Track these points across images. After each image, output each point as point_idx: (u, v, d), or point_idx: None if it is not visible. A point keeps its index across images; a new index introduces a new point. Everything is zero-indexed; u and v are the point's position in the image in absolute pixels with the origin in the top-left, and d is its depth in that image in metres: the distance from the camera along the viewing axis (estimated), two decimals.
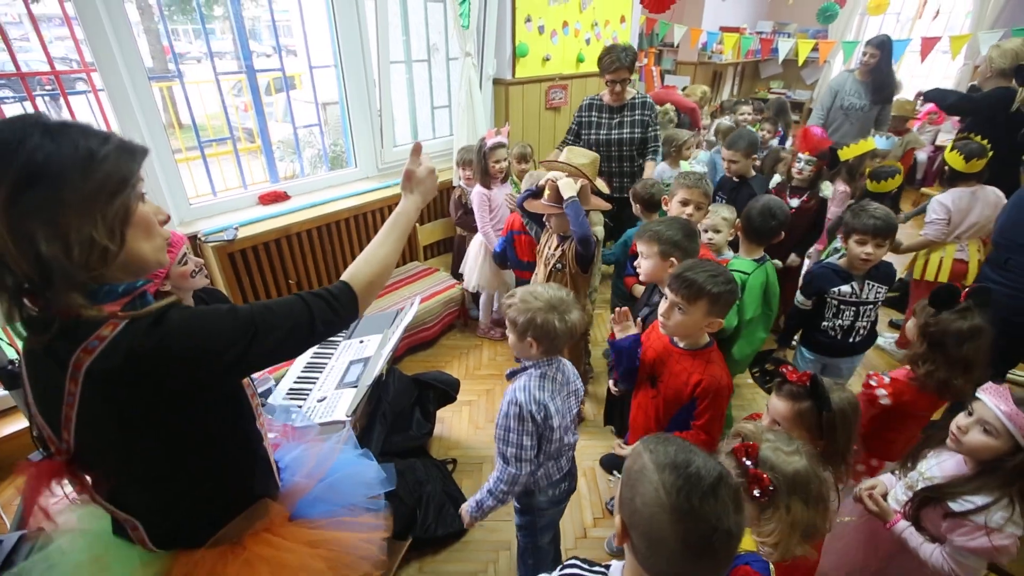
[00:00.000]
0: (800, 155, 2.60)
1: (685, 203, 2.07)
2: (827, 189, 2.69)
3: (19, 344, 0.80)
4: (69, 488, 0.85)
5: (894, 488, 1.37)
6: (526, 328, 1.30)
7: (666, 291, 1.43)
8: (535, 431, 1.32)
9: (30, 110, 2.13)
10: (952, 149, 2.51)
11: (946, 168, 2.58)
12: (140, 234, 0.75)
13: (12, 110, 2.38)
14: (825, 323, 2.00)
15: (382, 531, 1.07)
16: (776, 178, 2.83)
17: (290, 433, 1.27)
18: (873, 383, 1.57)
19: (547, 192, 2.03)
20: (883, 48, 3.65)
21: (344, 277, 0.94)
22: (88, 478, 0.82)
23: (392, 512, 1.19)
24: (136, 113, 2.24)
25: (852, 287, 1.93)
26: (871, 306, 1.96)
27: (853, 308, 1.95)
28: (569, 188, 1.99)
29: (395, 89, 3.21)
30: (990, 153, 2.41)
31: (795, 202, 2.62)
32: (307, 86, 6.11)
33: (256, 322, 0.79)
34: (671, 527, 0.65)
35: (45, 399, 0.77)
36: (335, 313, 0.89)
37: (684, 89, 4.59)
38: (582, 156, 2.24)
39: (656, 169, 3.04)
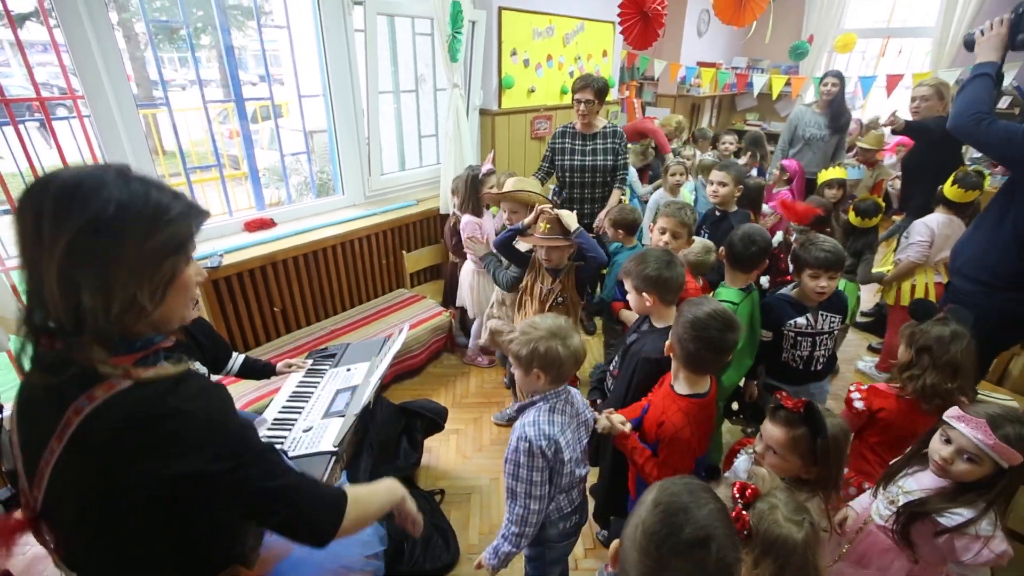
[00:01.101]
0: (792, 226, 2.60)
1: (663, 231, 2.09)
2: None
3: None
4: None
5: (875, 503, 1.38)
6: (531, 359, 1.29)
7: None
8: (545, 466, 1.30)
9: (12, 136, 2.11)
10: (952, 183, 2.58)
11: (939, 193, 2.65)
12: (179, 296, 0.75)
13: None
14: (784, 355, 2.02)
15: None
16: (779, 236, 2.81)
17: None
18: (851, 388, 1.65)
19: (544, 226, 2.04)
20: (841, 79, 3.88)
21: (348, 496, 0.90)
22: (52, 538, 0.79)
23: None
24: (123, 139, 2.23)
25: (807, 319, 1.95)
26: (827, 335, 1.99)
27: (810, 339, 1.97)
28: (572, 219, 2.02)
29: (383, 118, 3.26)
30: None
31: None
32: (294, 114, 6.16)
33: (267, 455, 0.79)
34: (634, 568, 0.66)
35: (30, 444, 0.74)
36: (316, 511, 0.84)
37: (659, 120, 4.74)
38: (535, 184, 2.31)
39: (653, 196, 3.12)
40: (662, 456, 1.39)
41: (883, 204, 2.97)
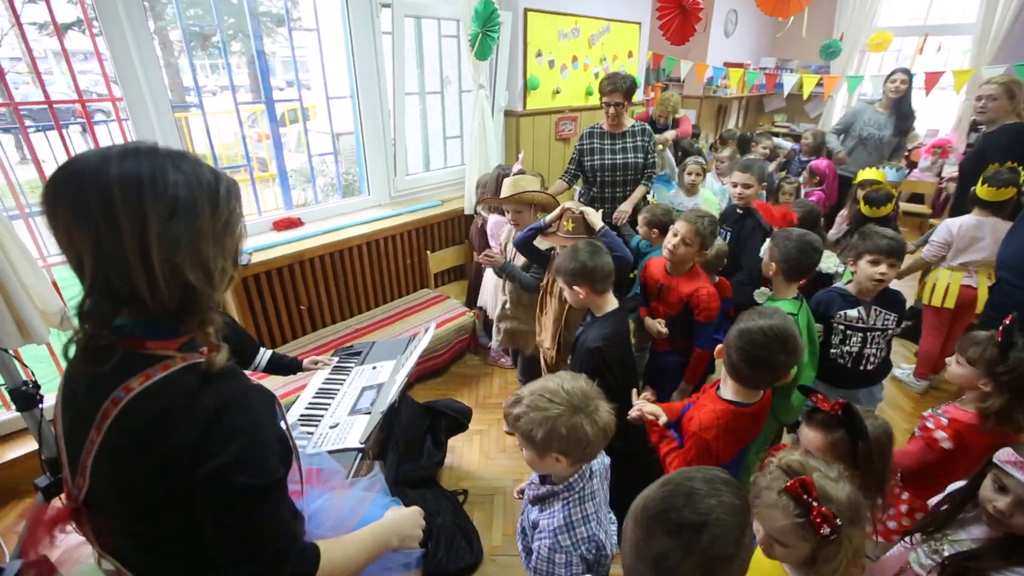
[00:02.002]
0: (775, 232, 2.38)
1: (675, 234, 2.02)
2: (829, 260, 2.42)
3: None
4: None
5: (915, 551, 1.27)
6: (548, 442, 1.03)
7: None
8: (585, 569, 1.11)
9: (56, 140, 2.18)
10: (983, 183, 2.48)
11: (972, 192, 2.57)
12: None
13: (37, 139, 2.44)
14: (833, 350, 1.94)
15: None
16: (767, 245, 2.63)
17: (315, 477, 1.17)
18: (931, 425, 1.47)
19: (568, 224, 2.01)
20: (910, 76, 3.69)
21: (321, 550, 0.81)
22: (95, 529, 0.78)
23: None
24: (159, 142, 2.28)
25: (859, 312, 1.89)
26: (879, 333, 1.91)
27: (860, 334, 1.90)
28: (597, 217, 2.00)
29: (409, 119, 3.28)
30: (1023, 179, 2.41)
31: None
32: (321, 117, 6.26)
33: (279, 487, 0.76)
34: (626, 539, 0.69)
35: (72, 436, 0.74)
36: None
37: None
38: (532, 182, 2.27)
39: (668, 195, 3.07)
40: (684, 448, 1.36)
41: (895, 192, 2.86)
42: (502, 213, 2.75)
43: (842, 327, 1.91)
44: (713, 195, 3.44)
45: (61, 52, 2.15)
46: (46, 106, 2.13)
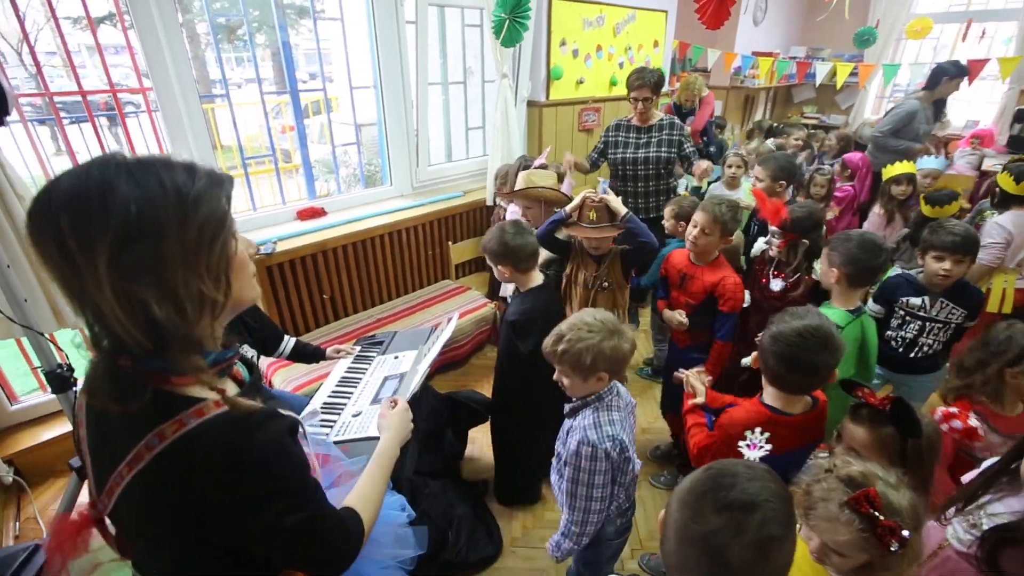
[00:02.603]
0: (772, 228, 2.16)
1: (695, 225, 1.96)
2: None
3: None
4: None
5: (951, 526, 1.25)
6: (594, 363, 1.21)
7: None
8: (609, 469, 1.25)
9: (89, 131, 2.23)
10: (1004, 170, 2.44)
11: (997, 190, 2.49)
12: (241, 275, 0.70)
13: (71, 131, 2.50)
14: (889, 332, 1.94)
15: None
16: (759, 244, 2.32)
17: (320, 461, 1.21)
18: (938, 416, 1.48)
19: (592, 214, 1.98)
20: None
21: (358, 510, 0.88)
22: (116, 539, 0.80)
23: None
24: (187, 133, 2.32)
25: (923, 301, 1.87)
26: (939, 325, 1.87)
27: (919, 322, 1.89)
28: (619, 203, 1.97)
29: (431, 110, 3.27)
30: None
31: (777, 284, 2.09)
32: (344, 109, 6.29)
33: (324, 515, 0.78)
34: (671, 525, 0.66)
35: (100, 457, 0.71)
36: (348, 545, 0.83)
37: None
38: (548, 177, 2.21)
39: (709, 189, 3.01)
40: (711, 433, 1.35)
41: (960, 191, 2.74)
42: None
43: (902, 312, 1.90)
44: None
45: (94, 46, 2.20)
46: (80, 99, 2.18)
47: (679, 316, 2.04)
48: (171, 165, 0.62)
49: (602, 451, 1.22)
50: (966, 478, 1.26)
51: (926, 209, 2.62)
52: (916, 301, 1.88)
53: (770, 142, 4.00)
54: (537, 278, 1.90)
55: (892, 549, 0.82)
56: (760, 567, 0.63)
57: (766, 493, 0.66)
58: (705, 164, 2.74)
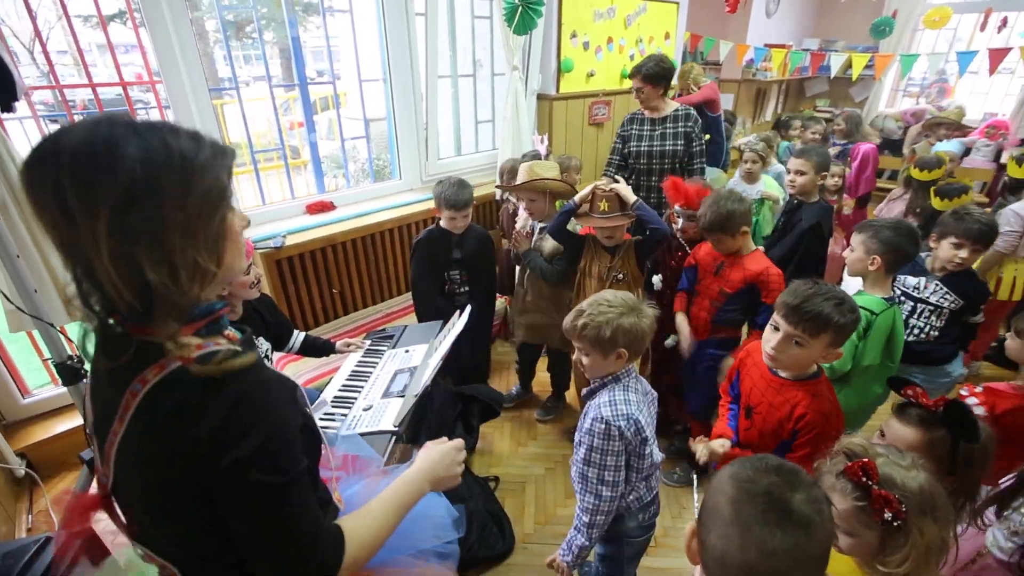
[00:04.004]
0: (677, 208, 2.13)
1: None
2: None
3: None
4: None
5: (991, 531, 1.21)
6: (614, 339, 1.21)
7: (778, 322, 1.26)
8: (622, 450, 1.23)
9: None
10: (1011, 159, 2.49)
11: (1007, 179, 2.49)
12: (233, 248, 0.69)
13: None
14: None
15: None
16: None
17: (351, 464, 1.17)
18: (964, 392, 1.46)
19: (604, 204, 1.94)
20: None
21: (346, 533, 0.76)
22: (122, 515, 0.78)
23: None
24: (198, 129, 2.31)
25: (919, 281, 1.89)
26: (931, 309, 1.86)
27: (911, 303, 1.90)
28: (629, 192, 1.94)
29: (441, 103, 3.24)
30: None
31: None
32: (352, 104, 6.27)
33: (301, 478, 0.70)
34: (726, 506, 0.61)
35: (99, 425, 0.72)
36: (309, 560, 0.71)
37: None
38: (551, 168, 2.16)
39: (729, 183, 2.94)
40: (803, 452, 1.28)
41: (970, 184, 2.71)
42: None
43: (898, 291, 1.88)
44: (775, 180, 3.27)
45: (104, 45, 2.20)
46: (92, 98, 2.18)
47: (687, 334, 2.01)
48: (177, 131, 0.62)
49: (615, 428, 1.21)
50: (1002, 483, 1.21)
51: (936, 202, 2.59)
52: (912, 281, 1.90)
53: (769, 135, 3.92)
54: None
55: (886, 518, 0.80)
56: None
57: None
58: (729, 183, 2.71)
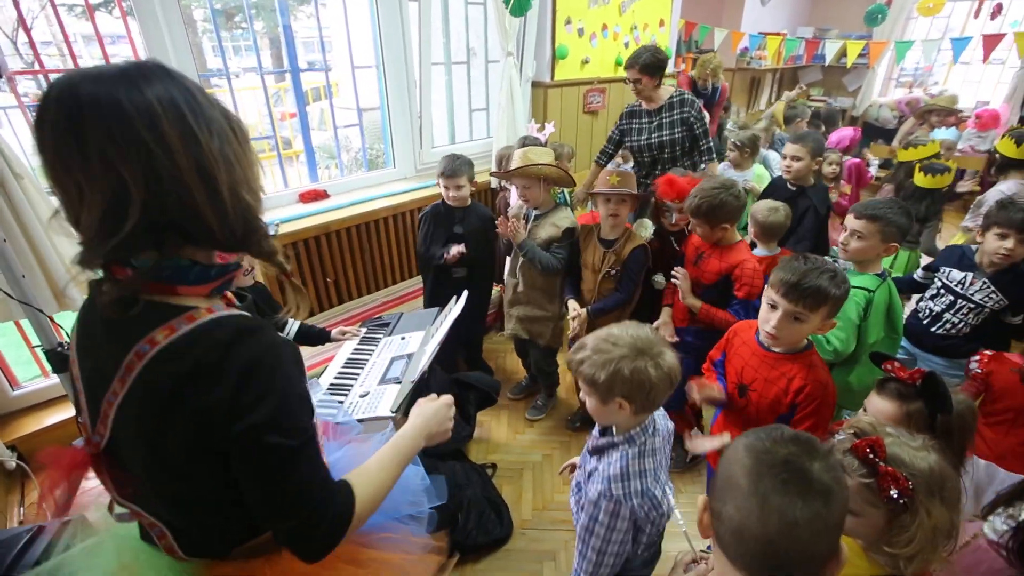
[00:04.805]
0: (667, 203, 2.09)
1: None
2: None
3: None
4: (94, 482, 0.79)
5: (991, 520, 1.21)
6: (611, 385, 1.01)
7: (777, 301, 1.24)
8: (630, 527, 1.08)
9: None
10: (1004, 136, 2.48)
11: (997, 156, 2.53)
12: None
13: None
14: (921, 302, 1.93)
15: (435, 554, 0.96)
16: (648, 226, 2.18)
17: (331, 431, 1.15)
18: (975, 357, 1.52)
19: (614, 178, 1.95)
20: None
21: (354, 487, 0.77)
22: (114, 476, 0.75)
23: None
24: None
25: (964, 276, 1.82)
26: (972, 306, 1.80)
27: (951, 297, 1.85)
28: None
29: (434, 91, 3.20)
30: None
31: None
32: (345, 94, 6.19)
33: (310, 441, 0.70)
34: (743, 477, 0.60)
35: (92, 383, 0.71)
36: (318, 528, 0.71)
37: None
38: (545, 154, 2.12)
39: (718, 168, 2.93)
40: (807, 425, 1.28)
41: (954, 166, 2.71)
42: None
43: (940, 283, 1.86)
44: (765, 168, 3.26)
45: (89, 36, 2.17)
46: None
47: (671, 331, 1.98)
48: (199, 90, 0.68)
49: (627, 509, 1.05)
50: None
51: (919, 178, 2.58)
52: (957, 275, 1.83)
53: (760, 125, 3.91)
54: None
55: (892, 495, 0.79)
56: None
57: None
58: (718, 169, 2.69)
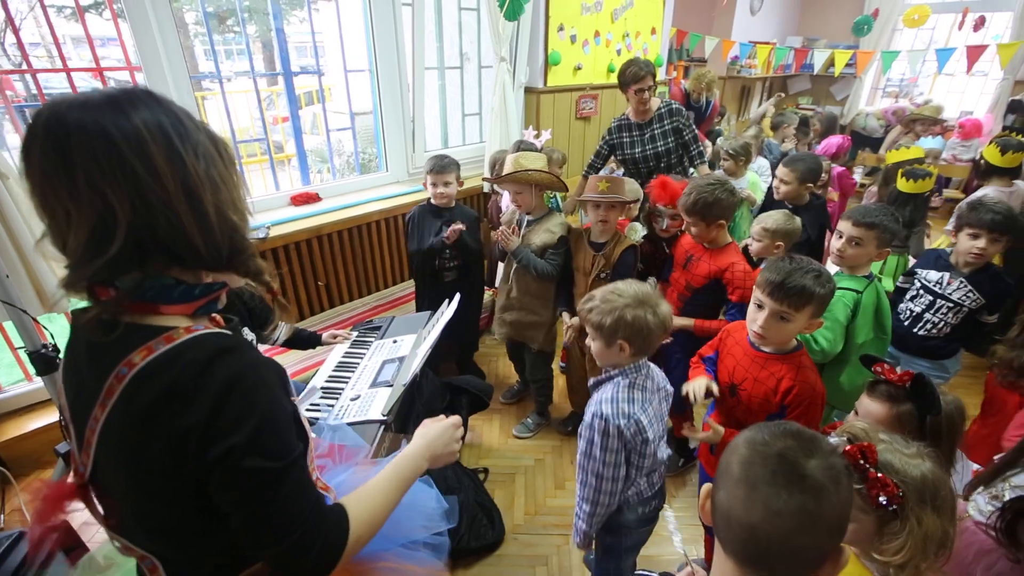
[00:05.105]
0: (660, 207, 2.07)
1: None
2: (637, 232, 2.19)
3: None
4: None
5: (973, 498, 1.23)
6: (615, 329, 1.19)
7: (763, 300, 1.28)
8: (620, 448, 1.20)
9: None
10: (991, 143, 2.55)
11: (982, 162, 2.56)
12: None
13: None
14: (902, 303, 1.96)
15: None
16: (638, 229, 2.28)
17: (337, 454, 1.14)
18: None
19: (603, 184, 1.96)
20: None
21: (348, 511, 0.74)
22: (101, 505, 0.74)
23: None
24: None
25: (941, 277, 1.87)
26: (950, 305, 1.84)
27: (930, 297, 1.89)
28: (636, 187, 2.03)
29: (427, 95, 3.21)
30: None
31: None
32: (337, 98, 6.18)
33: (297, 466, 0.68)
34: (737, 465, 0.61)
35: (76, 408, 0.70)
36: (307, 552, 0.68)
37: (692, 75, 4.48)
38: (537, 159, 2.12)
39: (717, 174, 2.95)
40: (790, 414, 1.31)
41: (935, 171, 2.75)
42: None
43: (919, 284, 1.90)
44: (759, 176, 3.28)
45: (78, 38, 2.17)
46: (67, 88, 2.11)
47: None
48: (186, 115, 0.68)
49: (614, 427, 1.18)
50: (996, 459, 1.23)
51: (902, 184, 2.61)
52: (934, 276, 1.88)
53: (750, 133, 3.95)
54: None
55: (881, 502, 0.79)
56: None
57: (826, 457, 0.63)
58: (706, 172, 2.71)
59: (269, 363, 0.70)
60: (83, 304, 0.65)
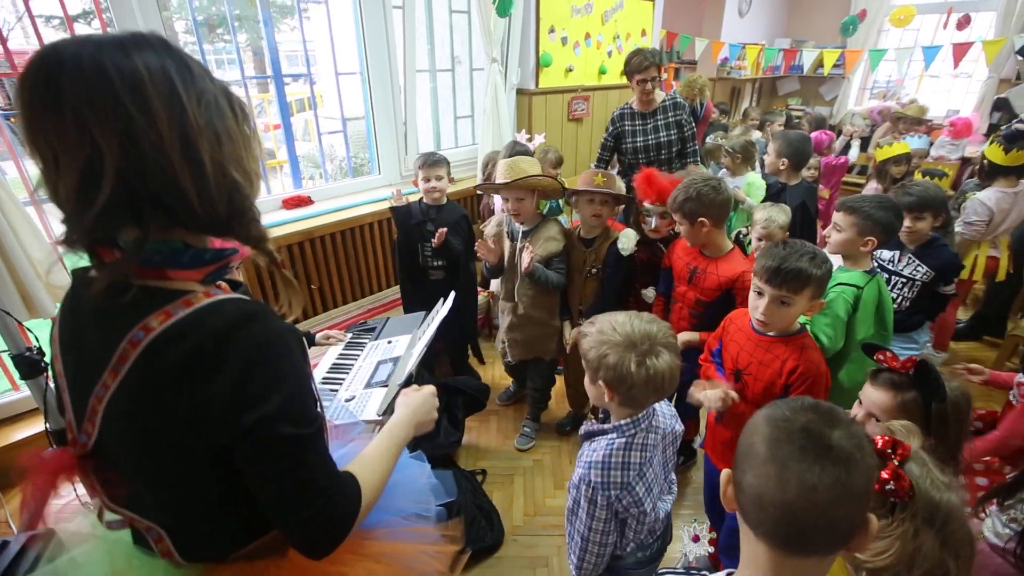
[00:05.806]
0: (647, 205, 2.00)
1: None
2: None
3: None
4: (81, 488, 0.74)
5: (988, 519, 1.19)
6: (596, 367, 1.05)
7: (762, 287, 1.26)
8: (611, 518, 1.08)
9: None
10: (992, 142, 2.53)
11: (985, 163, 2.55)
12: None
13: None
14: None
15: (449, 544, 0.94)
16: (630, 237, 2.06)
17: (332, 432, 1.14)
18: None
19: (599, 179, 1.94)
20: None
21: (357, 476, 0.75)
22: (104, 479, 0.71)
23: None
24: None
25: (893, 255, 2.02)
26: (904, 280, 1.99)
27: (886, 275, 1.99)
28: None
29: (419, 98, 3.20)
30: None
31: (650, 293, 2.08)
32: (329, 104, 6.15)
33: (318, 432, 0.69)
34: (762, 445, 0.59)
35: (79, 377, 0.67)
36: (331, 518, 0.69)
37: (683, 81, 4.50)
38: (532, 164, 2.02)
39: (718, 174, 2.97)
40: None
41: (949, 172, 2.80)
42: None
43: (875, 264, 1.94)
44: (758, 176, 3.29)
45: None
46: None
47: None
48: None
49: (603, 499, 1.05)
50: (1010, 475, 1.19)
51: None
52: (887, 254, 2.02)
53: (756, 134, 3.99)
54: None
55: (888, 489, 0.72)
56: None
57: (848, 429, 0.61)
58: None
59: (292, 330, 0.69)
60: (83, 264, 0.63)
